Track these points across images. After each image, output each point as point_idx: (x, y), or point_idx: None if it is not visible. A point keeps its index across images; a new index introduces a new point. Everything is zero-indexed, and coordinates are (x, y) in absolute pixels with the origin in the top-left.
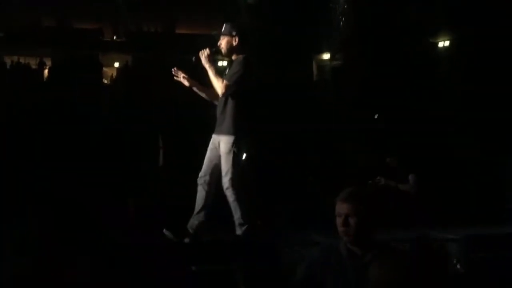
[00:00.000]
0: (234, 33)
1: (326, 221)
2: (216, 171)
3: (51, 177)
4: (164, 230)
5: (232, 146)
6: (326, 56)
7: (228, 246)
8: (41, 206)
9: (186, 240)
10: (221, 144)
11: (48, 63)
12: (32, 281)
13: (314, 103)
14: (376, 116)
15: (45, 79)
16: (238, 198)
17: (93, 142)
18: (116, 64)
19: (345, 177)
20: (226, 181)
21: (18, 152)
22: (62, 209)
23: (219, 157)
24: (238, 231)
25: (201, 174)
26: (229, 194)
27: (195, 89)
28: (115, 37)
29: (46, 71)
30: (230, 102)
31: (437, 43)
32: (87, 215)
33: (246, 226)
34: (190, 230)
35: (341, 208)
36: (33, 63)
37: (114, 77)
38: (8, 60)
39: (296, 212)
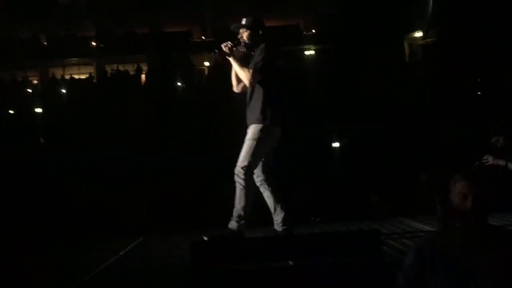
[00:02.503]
0: (256, 26)
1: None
2: (265, 166)
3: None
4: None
5: (258, 133)
6: (418, 34)
7: (322, 239)
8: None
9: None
10: (248, 131)
11: (144, 68)
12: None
13: (409, 83)
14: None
15: (143, 84)
16: (245, 189)
17: (190, 139)
18: (207, 63)
19: (448, 158)
20: (238, 167)
21: (128, 153)
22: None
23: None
24: (232, 225)
25: (254, 176)
26: (238, 182)
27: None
28: (203, 37)
29: (143, 76)
30: (258, 91)
31: None
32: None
33: (241, 221)
34: (279, 229)
35: (469, 188)
36: (131, 69)
37: (206, 75)
38: (108, 69)
39: (399, 200)
